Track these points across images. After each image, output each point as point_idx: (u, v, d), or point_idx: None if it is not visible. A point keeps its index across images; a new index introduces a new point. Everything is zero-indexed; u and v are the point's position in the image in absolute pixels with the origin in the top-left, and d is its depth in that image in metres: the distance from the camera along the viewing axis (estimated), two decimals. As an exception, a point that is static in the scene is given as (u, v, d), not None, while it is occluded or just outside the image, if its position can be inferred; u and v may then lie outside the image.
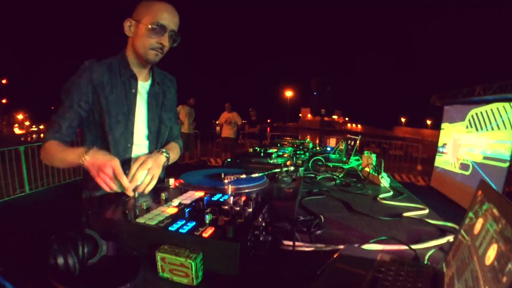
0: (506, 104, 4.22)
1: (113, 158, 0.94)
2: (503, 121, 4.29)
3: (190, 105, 6.87)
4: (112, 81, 1.13)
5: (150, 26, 1.08)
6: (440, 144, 6.16)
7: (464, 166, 5.10)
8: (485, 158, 4.56)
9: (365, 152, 1.87)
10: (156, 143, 1.28)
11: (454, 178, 5.39)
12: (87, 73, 1.10)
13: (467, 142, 5.16)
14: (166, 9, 1.10)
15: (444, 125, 6.14)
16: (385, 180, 1.52)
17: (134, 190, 0.91)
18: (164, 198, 0.84)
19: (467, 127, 5.22)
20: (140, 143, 1.23)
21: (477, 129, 4.92)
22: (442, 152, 6.04)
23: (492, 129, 4.51)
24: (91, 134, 1.17)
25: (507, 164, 4.02)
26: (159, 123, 1.28)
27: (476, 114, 4.99)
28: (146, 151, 1.25)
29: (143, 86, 1.23)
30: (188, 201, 0.82)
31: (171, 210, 0.75)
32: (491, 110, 4.59)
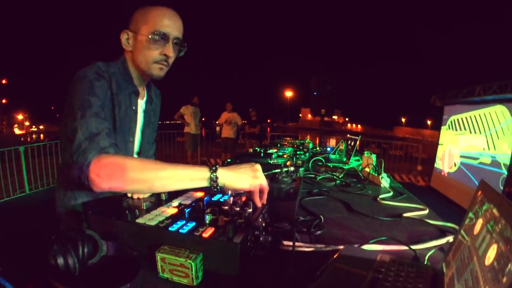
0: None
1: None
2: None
3: (195, 104, 6.43)
4: (119, 94, 0.97)
5: (150, 37, 0.92)
6: (439, 152, 6.14)
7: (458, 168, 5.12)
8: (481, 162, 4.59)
9: (365, 152, 1.87)
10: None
11: (454, 178, 5.39)
12: (106, 78, 0.93)
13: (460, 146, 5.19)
14: (166, 14, 0.94)
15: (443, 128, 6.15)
16: (385, 180, 1.52)
17: None
18: (164, 199, 0.84)
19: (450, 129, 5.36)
20: None
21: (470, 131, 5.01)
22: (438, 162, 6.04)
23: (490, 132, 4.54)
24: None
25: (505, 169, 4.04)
26: (147, 143, 1.16)
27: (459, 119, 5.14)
28: None
29: (140, 105, 1.09)
30: (188, 201, 0.82)
31: (171, 210, 0.75)
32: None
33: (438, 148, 6.20)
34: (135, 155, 1.09)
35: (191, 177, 0.75)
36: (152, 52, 0.94)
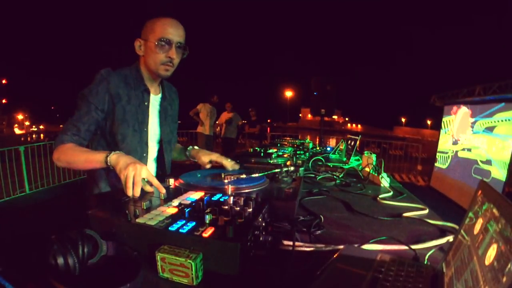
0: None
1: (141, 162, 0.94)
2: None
3: (213, 103, 6.08)
4: (128, 92, 1.19)
5: (156, 43, 1.13)
6: (446, 145, 5.99)
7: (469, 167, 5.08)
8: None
9: (365, 152, 1.87)
10: (168, 151, 1.37)
11: (454, 178, 5.39)
12: (105, 83, 1.14)
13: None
14: (169, 23, 1.15)
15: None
16: (385, 180, 1.52)
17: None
18: (163, 198, 0.84)
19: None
20: (153, 153, 1.31)
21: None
22: (455, 148, 5.67)
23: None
24: (100, 144, 1.22)
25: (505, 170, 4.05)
26: (169, 133, 1.37)
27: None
28: (155, 158, 1.34)
29: (155, 99, 1.30)
30: (188, 201, 0.82)
31: (171, 210, 0.74)
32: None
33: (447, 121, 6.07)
34: (155, 143, 1.32)
35: (89, 160, 1.04)
36: (159, 55, 1.16)
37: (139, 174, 0.89)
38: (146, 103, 1.24)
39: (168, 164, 1.39)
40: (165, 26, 1.14)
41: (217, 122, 6.59)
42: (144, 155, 1.25)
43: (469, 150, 5.12)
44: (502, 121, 4.29)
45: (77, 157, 1.07)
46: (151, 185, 0.92)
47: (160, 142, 1.33)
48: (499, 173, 4.25)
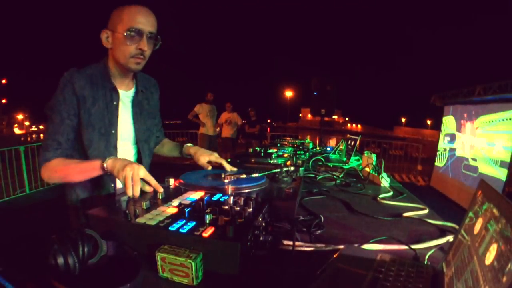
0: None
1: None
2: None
3: (209, 101, 5.82)
4: (93, 93, 1.09)
5: (125, 33, 1.02)
6: (443, 144, 6.09)
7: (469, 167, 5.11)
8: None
9: (365, 152, 1.87)
10: (146, 151, 1.27)
11: (454, 178, 5.40)
12: (69, 86, 1.05)
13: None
14: (138, 11, 1.04)
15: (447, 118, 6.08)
16: (385, 180, 1.52)
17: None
18: (160, 198, 0.84)
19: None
20: (127, 153, 1.22)
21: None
22: (451, 146, 5.71)
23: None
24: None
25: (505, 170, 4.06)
26: (146, 131, 1.27)
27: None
28: (134, 160, 1.25)
29: (127, 95, 1.19)
30: (188, 201, 0.82)
31: (171, 210, 0.74)
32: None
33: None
34: (131, 144, 1.23)
35: (84, 170, 1.01)
36: (129, 47, 1.04)
37: (137, 173, 0.88)
38: (114, 103, 1.13)
39: (146, 165, 1.28)
40: (135, 15, 1.02)
41: (217, 121, 6.53)
42: None
43: (463, 148, 5.22)
44: (502, 121, 4.30)
45: (70, 170, 1.02)
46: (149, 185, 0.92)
47: (137, 143, 1.23)
48: (487, 169, 4.38)
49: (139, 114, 1.23)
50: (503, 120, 4.29)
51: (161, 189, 0.89)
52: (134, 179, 0.87)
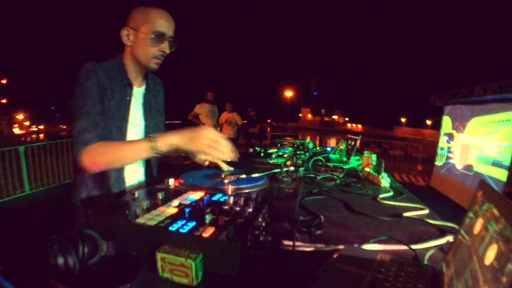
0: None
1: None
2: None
3: (209, 101, 5.67)
4: (111, 86, 1.12)
5: (151, 36, 1.07)
6: (441, 143, 6.16)
7: (467, 167, 5.14)
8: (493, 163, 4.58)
9: (365, 152, 1.87)
10: None
11: (454, 178, 5.41)
12: (94, 76, 1.06)
13: (477, 143, 4.92)
14: (163, 16, 1.09)
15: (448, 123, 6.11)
16: (385, 180, 1.52)
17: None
18: (160, 198, 0.84)
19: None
20: None
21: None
22: (448, 156, 5.86)
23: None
24: None
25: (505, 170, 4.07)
26: (155, 127, 1.32)
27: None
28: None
29: (139, 92, 1.24)
30: (188, 201, 0.82)
31: (171, 210, 0.75)
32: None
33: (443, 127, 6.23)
34: (142, 135, 1.25)
35: (135, 153, 0.97)
36: (152, 48, 1.10)
37: (216, 139, 0.94)
38: (128, 98, 1.18)
39: (154, 162, 1.34)
40: (160, 19, 1.08)
41: (218, 121, 6.48)
42: None
43: (461, 148, 5.27)
44: (499, 122, 4.31)
45: (121, 151, 0.99)
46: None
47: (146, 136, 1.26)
48: (485, 169, 4.47)
49: (149, 110, 1.28)
50: (501, 121, 4.29)
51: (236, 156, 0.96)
52: (219, 145, 0.94)
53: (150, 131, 1.27)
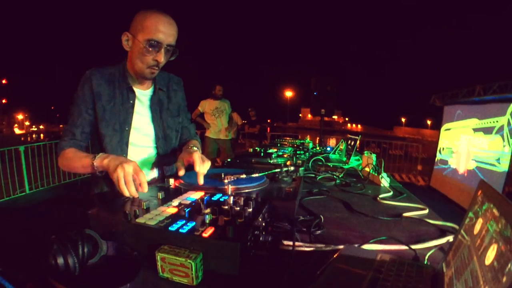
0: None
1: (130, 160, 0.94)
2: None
3: (217, 96, 4.67)
4: (110, 91, 1.16)
5: (145, 45, 1.05)
6: (441, 146, 6.17)
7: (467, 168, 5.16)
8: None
9: (365, 152, 1.87)
10: (165, 147, 1.30)
11: (454, 178, 5.41)
12: (88, 83, 1.13)
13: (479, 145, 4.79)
14: (161, 22, 1.05)
15: (449, 125, 6.04)
16: (385, 180, 1.52)
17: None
18: (160, 198, 0.84)
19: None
20: (147, 150, 1.27)
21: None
22: (447, 162, 5.77)
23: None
24: (95, 144, 1.23)
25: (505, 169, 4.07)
26: (167, 129, 1.29)
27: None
28: (154, 155, 1.29)
29: (144, 94, 1.24)
30: (188, 201, 0.82)
31: (171, 210, 0.75)
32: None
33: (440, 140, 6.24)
34: (150, 141, 1.27)
35: (84, 167, 1.04)
36: (146, 58, 1.08)
37: (128, 173, 0.87)
38: (131, 102, 1.19)
39: (167, 162, 1.31)
40: (157, 25, 1.04)
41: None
42: (124, 155, 1.19)
43: (460, 148, 5.30)
44: (497, 122, 4.31)
45: (74, 163, 1.08)
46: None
47: (156, 140, 1.27)
48: (483, 169, 4.49)
49: (158, 112, 1.27)
50: (500, 122, 4.29)
51: (145, 189, 0.88)
52: (127, 179, 0.86)
53: (161, 132, 1.27)
